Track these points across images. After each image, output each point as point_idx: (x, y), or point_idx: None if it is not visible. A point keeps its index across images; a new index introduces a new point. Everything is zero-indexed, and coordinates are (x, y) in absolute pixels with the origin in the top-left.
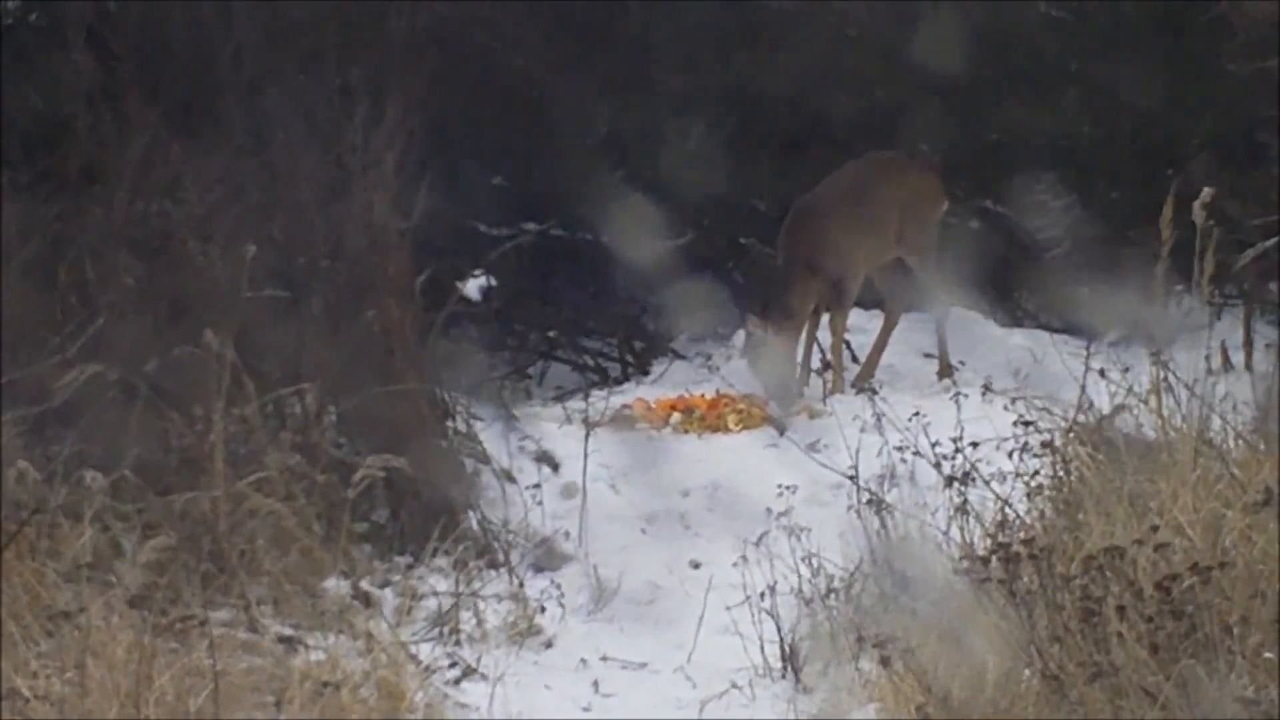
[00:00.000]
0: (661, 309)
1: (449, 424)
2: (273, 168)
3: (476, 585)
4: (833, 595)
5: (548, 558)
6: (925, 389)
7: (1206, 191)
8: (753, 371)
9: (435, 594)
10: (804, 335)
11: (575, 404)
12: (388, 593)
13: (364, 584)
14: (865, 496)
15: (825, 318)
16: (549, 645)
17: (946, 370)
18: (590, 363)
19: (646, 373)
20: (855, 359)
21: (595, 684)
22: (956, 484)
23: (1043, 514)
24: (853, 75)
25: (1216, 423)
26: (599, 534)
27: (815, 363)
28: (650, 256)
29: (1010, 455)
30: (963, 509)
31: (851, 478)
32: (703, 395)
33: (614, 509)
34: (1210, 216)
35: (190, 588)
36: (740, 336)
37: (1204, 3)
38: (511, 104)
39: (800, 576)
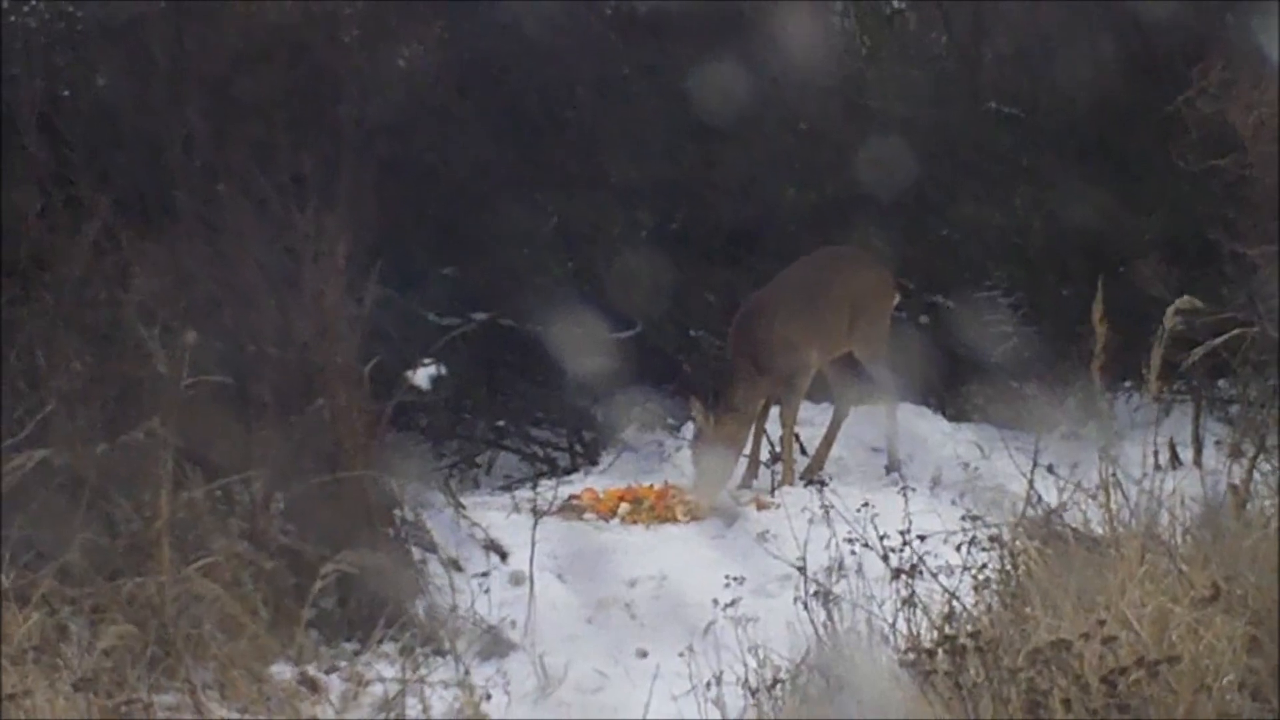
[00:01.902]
0: (611, 400)
1: (396, 512)
2: (223, 255)
3: (423, 672)
4: (779, 686)
5: (494, 646)
6: (873, 482)
7: (1186, 299)
8: (691, 459)
9: (382, 680)
10: (754, 427)
11: (524, 493)
12: (334, 679)
13: (311, 670)
14: (813, 588)
15: (776, 410)
16: None
17: (895, 464)
18: (539, 452)
19: (595, 463)
20: (805, 451)
21: None
22: (904, 576)
23: (989, 607)
24: (803, 170)
25: (1165, 518)
26: (546, 623)
27: (765, 455)
28: (600, 348)
29: (958, 549)
30: (910, 601)
31: (799, 569)
32: (651, 486)
33: (561, 598)
34: (1156, 313)
35: (137, 671)
36: (690, 428)
37: (1155, 101)
38: (461, 194)
39: (747, 667)
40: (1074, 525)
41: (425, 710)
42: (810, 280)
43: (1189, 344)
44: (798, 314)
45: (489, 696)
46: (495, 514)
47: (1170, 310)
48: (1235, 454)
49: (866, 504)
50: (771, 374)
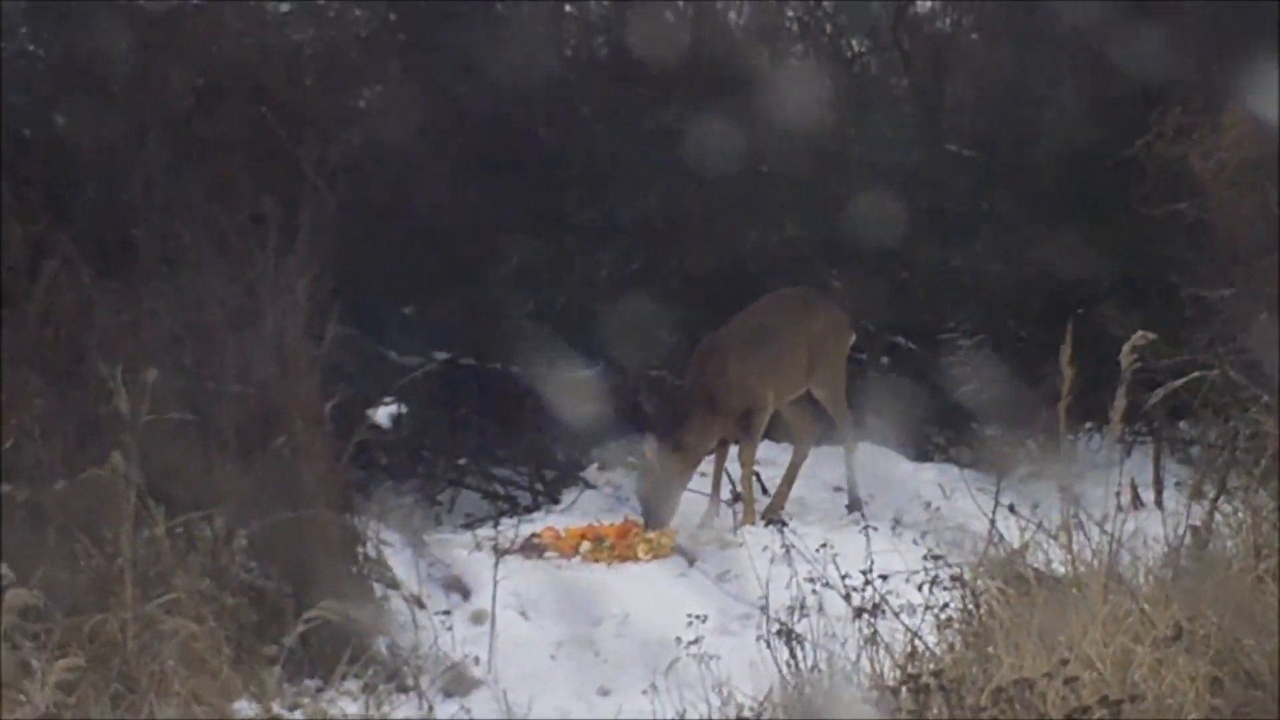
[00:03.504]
0: (572, 438)
1: (359, 549)
2: (184, 293)
3: (386, 709)
4: None
5: (457, 683)
6: (835, 521)
7: (1140, 334)
8: (638, 493)
9: (345, 718)
10: (714, 466)
11: (485, 531)
12: (298, 715)
13: (274, 707)
14: (775, 626)
15: (735, 449)
16: None
17: (856, 503)
18: (500, 491)
19: (557, 501)
20: (765, 491)
21: None
22: (866, 615)
23: (952, 646)
24: (764, 211)
25: (1126, 559)
26: (509, 660)
27: (725, 494)
28: (561, 387)
29: (920, 588)
30: (873, 640)
31: (761, 608)
32: (612, 524)
33: (524, 636)
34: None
35: (99, 707)
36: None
37: (1115, 145)
38: (422, 234)
39: (710, 705)
40: (1036, 565)
41: None
42: (767, 321)
43: (1150, 385)
44: (754, 354)
45: None
46: (457, 552)
47: (1126, 347)
48: (1196, 495)
49: (827, 543)
50: (727, 413)
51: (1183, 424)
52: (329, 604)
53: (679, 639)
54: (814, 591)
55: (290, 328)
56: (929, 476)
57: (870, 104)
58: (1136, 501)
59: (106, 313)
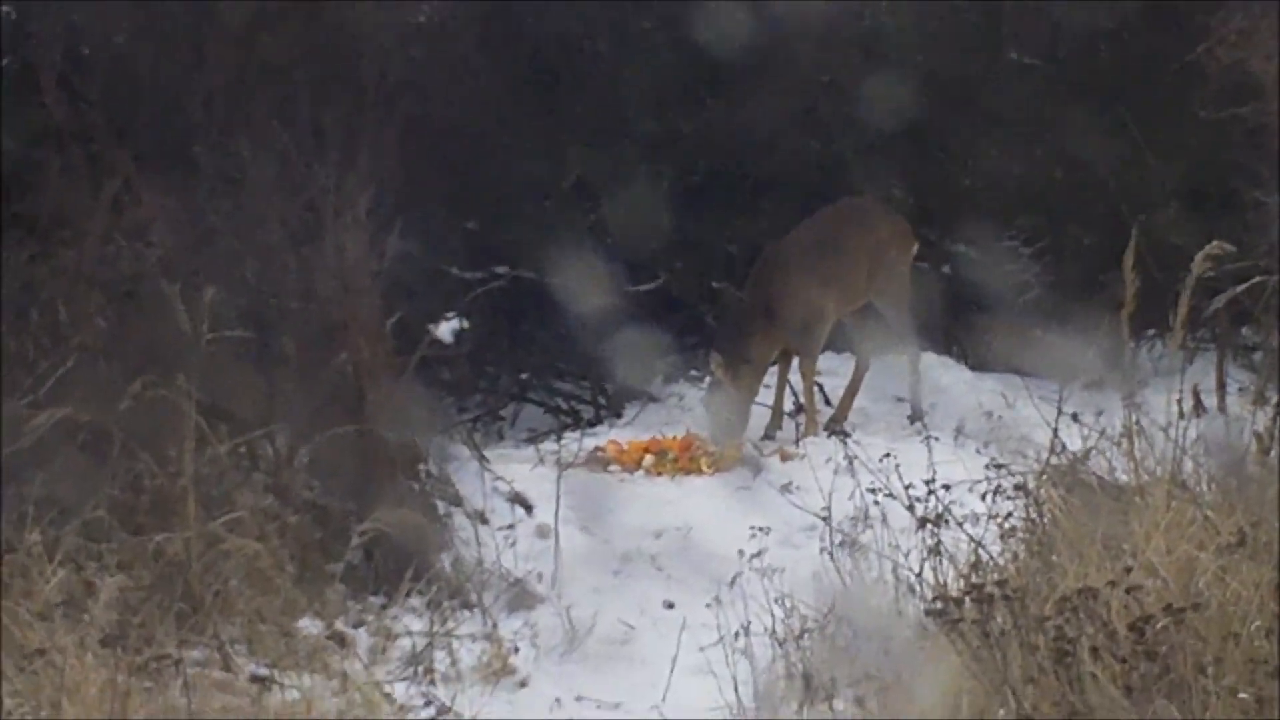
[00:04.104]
0: (633, 352)
1: (421, 466)
2: (244, 211)
3: (450, 625)
4: (806, 636)
5: (521, 599)
6: (897, 432)
7: (1215, 244)
8: (705, 409)
9: (409, 634)
10: (777, 379)
11: (548, 446)
12: (362, 633)
13: (338, 624)
14: (838, 538)
15: (797, 361)
16: (523, 685)
17: (918, 413)
18: (563, 405)
19: (619, 415)
20: (828, 402)
21: None
22: (929, 525)
23: (1016, 556)
24: (825, 120)
25: (1189, 466)
26: (572, 575)
27: (788, 406)
28: (622, 300)
29: (983, 497)
30: (936, 550)
31: (824, 519)
32: (675, 438)
33: (587, 550)
34: (1179, 261)
35: (164, 627)
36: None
37: (1176, 50)
38: (482, 148)
39: (774, 617)
40: (1099, 473)
41: (453, 663)
42: (828, 232)
43: (1212, 292)
44: (815, 265)
45: (516, 649)
46: (520, 467)
47: (1199, 256)
48: (1259, 400)
49: (890, 454)
50: (787, 325)
51: (1245, 329)
52: (382, 513)
53: (742, 552)
54: (877, 502)
55: (351, 244)
56: (991, 385)
57: (931, 11)
58: (1199, 408)
59: (167, 232)
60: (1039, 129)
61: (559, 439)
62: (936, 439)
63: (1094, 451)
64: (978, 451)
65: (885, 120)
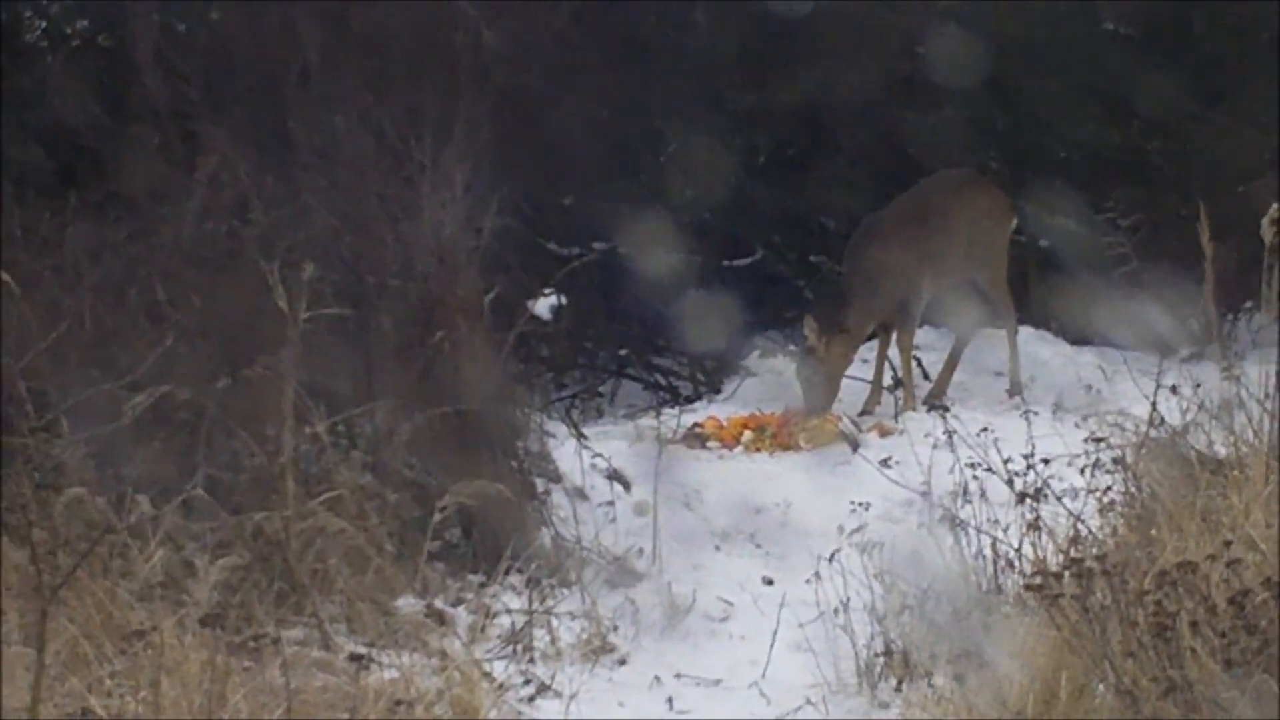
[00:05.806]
0: (732, 328)
1: (520, 443)
2: (341, 187)
3: (550, 603)
4: (906, 612)
5: (621, 575)
6: (996, 406)
7: (1276, 207)
8: (797, 377)
9: (509, 612)
10: (876, 353)
11: (647, 422)
12: (461, 611)
13: (437, 602)
14: (938, 513)
15: (895, 335)
16: (623, 663)
17: (1017, 388)
18: (662, 381)
19: (718, 390)
20: (927, 376)
21: (669, 701)
22: (1028, 500)
23: (1115, 530)
24: (923, 91)
25: None
26: (672, 551)
27: (887, 380)
28: (719, 275)
29: (1081, 472)
30: (1035, 525)
31: (923, 494)
32: (774, 413)
33: (686, 527)
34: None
35: (263, 606)
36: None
37: (1272, 20)
38: (579, 122)
39: (873, 593)
40: (1198, 447)
41: (553, 641)
42: (926, 205)
43: None
44: (912, 238)
45: (616, 627)
46: (618, 443)
47: (1265, 220)
48: None
49: (989, 428)
50: (884, 297)
51: None
52: (461, 486)
53: (841, 527)
54: (976, 477)
55: (449, 220)
56: (1089, 359)
57: None
58: None
59: (264, 208)
60: (1134, 99)
61: (658, 415)
62: (1035, 413)
63: (1192, 425)
64: (1076, 426)
65: (980, 91)
